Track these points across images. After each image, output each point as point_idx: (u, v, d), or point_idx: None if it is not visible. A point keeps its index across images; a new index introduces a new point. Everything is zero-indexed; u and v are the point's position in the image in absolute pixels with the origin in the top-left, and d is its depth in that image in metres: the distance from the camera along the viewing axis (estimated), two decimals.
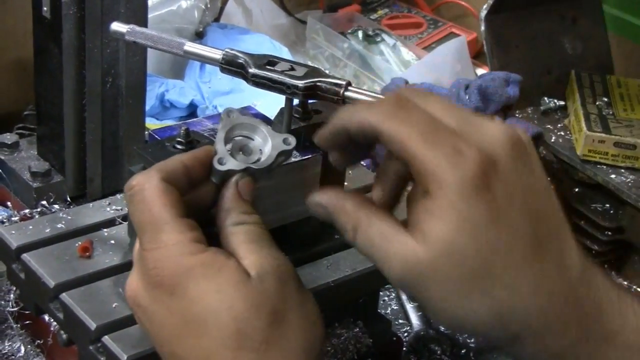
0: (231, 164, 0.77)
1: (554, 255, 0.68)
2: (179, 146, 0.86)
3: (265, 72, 0.85)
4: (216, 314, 0.71)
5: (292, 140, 0.79)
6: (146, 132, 1.19)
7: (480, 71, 1.71)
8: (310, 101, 0.92)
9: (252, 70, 0.85)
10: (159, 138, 0.91)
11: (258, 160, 0.78)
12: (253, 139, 0.79)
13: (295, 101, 0.89)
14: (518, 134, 0.69)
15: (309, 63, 1.77)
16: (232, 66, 0.86)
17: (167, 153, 0.86)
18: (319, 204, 0.74)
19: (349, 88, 0.84)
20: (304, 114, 0.93)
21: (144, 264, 0.73)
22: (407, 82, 1.40)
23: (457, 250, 0.66)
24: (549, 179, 0.70)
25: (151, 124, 1.51)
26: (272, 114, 0.96)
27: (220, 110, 1.52)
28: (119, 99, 1.15)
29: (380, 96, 0.83)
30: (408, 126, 0.67)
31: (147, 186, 0.74)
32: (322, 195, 0.74)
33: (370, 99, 0.83)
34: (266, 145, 0.79)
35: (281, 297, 0.72)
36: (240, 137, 0.79)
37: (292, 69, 0.86)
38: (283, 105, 0.89)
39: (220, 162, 0.76)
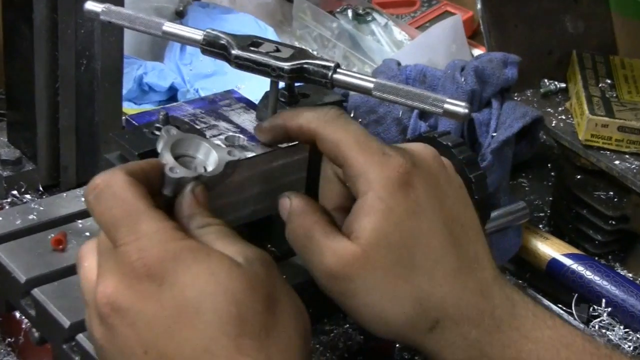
0: (183, 172, 0.78)
1: (468, 254, 0.81)
2: (158, 132, 0.86)
3: (249, 54, 0.84)
4: (213, 298, 0.70)
5: (237, 153, 0.81)
6: (123, 118, 1.18)
7: (477, 52, 1.71)
8: (297, 84, 0.92)
9: (235, 51, 0.84)
10: (137, 124, 0.91)
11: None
12: (195, 157, 0.81)
13: (281, 84, 0.88)
14: (437, 154, 0.84)
15: (296, 44, 1.77)
16: (214, 47, 0.86)
17: (146, 140, 0.85)
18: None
19: (338, 70, 0.84)
20: (290, 98, 0.92)
21: (123, 260, 0.71)
22: (399, 64, 1.39)
23: (383, 239, 0.78)
24: (469, 197, 0.84)
25: (129, 108, 1.50)
26: (256, 97, 0.96)
27: (202, 94, 1.52)
28: (94, 83, 1.14)
29: (371, 79, 0.83)
30: (345, 133, 0.81)
31: (114, 181, 0.74)
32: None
33: (360, 81, 0.83)
34: (209, 158, 0.81)
35: (272, 283, 0.73)
36: (182, 157, 0.80)
37: (278, 50, 0.85)
38: (268, 89, 0.88)
39: (172, 171, 0.77)
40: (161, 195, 0.78)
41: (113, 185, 0.74)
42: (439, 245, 0.80)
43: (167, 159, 0.78)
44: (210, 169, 0.80)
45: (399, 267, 0.78)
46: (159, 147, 0.79)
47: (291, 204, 0.83)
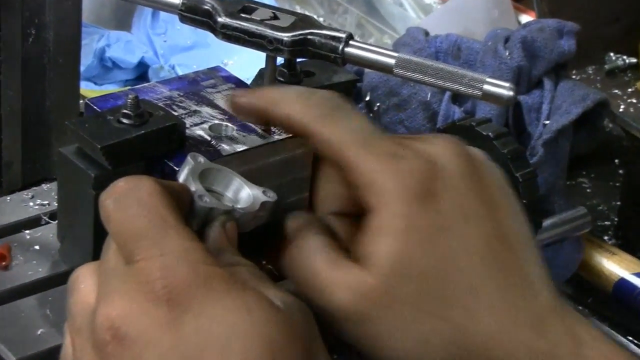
0: (214, 202, 0.79)
1: (516, 276, 0.78)
2: (125, 120, 0.86)
3: (239, 22, 0.85)
4: (245, 339, 0.69)
5: (272, 195, 0.82)
6: (81, 102, 1.19)
7: (525, 19, 1.71)
8: (299, 60, 0.92)
9: (221, 19, 0.85)
10: (98, 109, 0.91)
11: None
12: (223, 195, 0.82)
13: (280, 60, 0.89)
14: (466, 148, 0.81)
15: (298, 9, 1.77)
16: (195, 14, 0.86)
17: (111, 129, 0.85)
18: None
19: (351, 42, 0.84)
20: (291, 77, 0.93)
21: (139, 278, 0.71)
22: (427, 34, 1.40)
23: (406, 265, 0.76)
24: (516, 201, 0.82)
25: (88, 90, 1.51)
26: (249, 76, 0.96)
27: (180, 71, 1.52)
28: (45, 58, 1.15)
29: (393, 53, 0.83)
30: (345, 130, 0.79)
31: (142, 186, 0.74)
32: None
33: (379, 56, 0.83)
34: (240, 196, 0.82)
35: (311, 336, 0.74)
36: (208, 192, 0.82)
37: (275, 17, 0.86)
38: (263, 66, 0.89)
39: (202, 200, 0.79)
40: None
41: (140, 190, 0.74)
42: (476, 269, 0.77)
43: (196, 186, 0.79)
44: (243, 202, 0.82)
45: (427, 301, 0.76)
46: (182, 175, 0.80)
47: (286, 227, 0.82)
